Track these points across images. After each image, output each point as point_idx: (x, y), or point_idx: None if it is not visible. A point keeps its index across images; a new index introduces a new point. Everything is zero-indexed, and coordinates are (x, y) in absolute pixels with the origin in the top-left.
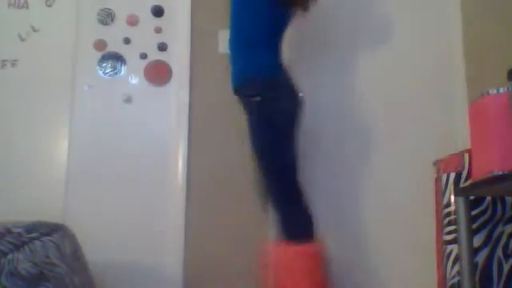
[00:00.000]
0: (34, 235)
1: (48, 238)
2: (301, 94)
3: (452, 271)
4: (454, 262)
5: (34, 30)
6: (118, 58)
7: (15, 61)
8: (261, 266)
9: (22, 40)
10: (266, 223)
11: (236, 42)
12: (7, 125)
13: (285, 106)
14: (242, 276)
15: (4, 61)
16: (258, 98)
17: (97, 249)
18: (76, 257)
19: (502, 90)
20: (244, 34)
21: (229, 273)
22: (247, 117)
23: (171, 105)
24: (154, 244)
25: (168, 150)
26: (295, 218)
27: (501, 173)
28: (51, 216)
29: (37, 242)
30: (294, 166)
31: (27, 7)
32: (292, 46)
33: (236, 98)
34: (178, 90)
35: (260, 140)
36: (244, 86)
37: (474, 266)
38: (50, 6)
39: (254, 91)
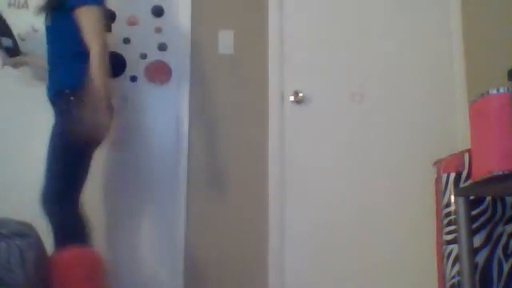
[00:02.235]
0: (2, 231)
1: (15, 242)
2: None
3: (452, 271)
4: (454, 262)
5: (34, 30)
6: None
7: None
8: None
9: (22, 40)
10: (266, 223)
11: (54, 56)
12: (7, 125)
13: (91, 119)
14: (241, 276)
15: None
16: (69, 106)
17: (96, 248)
18: (36, 265)
19: (502, 90)
20: (62, 47)
21: (229, 273)
22: (56, 120)
23: (171, 105)
24: (154, 244)
25: (168, 149)
26: (69, 221)
27: (501, 173)
28: None
29: (2, 244)
30: (78, 177)
31: (27, 7)
32: (292, 46)
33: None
34: (177, 90)
35: (60, 143)
36: (57, 95)
37: (473, 266)
38: None
39: (65, 100)
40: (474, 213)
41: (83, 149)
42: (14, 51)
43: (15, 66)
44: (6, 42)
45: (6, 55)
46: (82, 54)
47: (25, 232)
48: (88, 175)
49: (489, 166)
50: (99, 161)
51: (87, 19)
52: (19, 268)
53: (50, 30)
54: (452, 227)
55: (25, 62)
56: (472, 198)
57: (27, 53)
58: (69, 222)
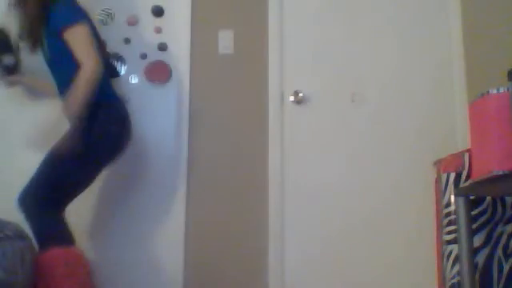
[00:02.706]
0: (7, 233)
1: (18, 243)
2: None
3: (452, 271)
4: (454, 262)
5: None
6: (117, 58)
7: None
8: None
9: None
10: (266, 223)
11: (61, 84)
12: (7, 125)
13: (111, 130)
14: (241, 276)
15: None
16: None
17: (96, 248)
18: (31, 266)
19: (502, 90)
20: (64, 73)
21: (229, 273)
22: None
23: (171, 105)
24: (154, 244)
25: (168, 149)
26: (48, 224)
27: (501, 173)
28: None
29: (8, 246)
30: (65, 187)
31: None
32: (292, 46)
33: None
34: (178, 90)
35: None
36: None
37: (473, 266)
38: None
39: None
40: (474, 213)
41: (80, 162)
42: (12, 70)
43: (10, 84)
44: (8, 60)
45: (4, 73)
46: None
47: (23, 234)
48: (83, 189)
49: (489, 165)
50: None
51: (76, 39)
52: (20, 268)
53: (48, 62)
54: (452, 227)
55: (20, 81)
56: (472, 197)
57: (25, 73)
58: (47, 225)
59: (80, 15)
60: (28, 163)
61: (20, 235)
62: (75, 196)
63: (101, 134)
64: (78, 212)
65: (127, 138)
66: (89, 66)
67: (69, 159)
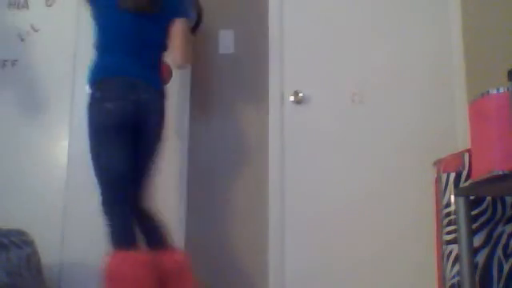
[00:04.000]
0: (12, 240)
1: (23, 249)
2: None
3: (452, 271)
4: (454, 262)
5: (34, 30)
6: None
7: (15, 61)
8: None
9: (22, 40)
10: (266, 223)
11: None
12: (7, 125)
13: (107, 107)
14: (242, 276)
15: (4, 61)
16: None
17: (97, 249)
18: (38, 268)
19: (502, 90)
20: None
21: (229, 273)
22: None
23: (171, 105)
24: None
25: (168, 150)
26: (110, 224)
27: (501, 173)
28: (51, 216)
29: (13, 251)
30: (118, 173)
31: (27, 7)
32: (292, 46)
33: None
34: (178, 90)
35: (89, 139)
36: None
37: (473, 266)
38: (50, 6)
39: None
40: (473, 213)
41: (102, 138)
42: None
43: None
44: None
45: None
46: (96, 47)
47: (28, 239)
48: (127, 167)
49: (489, 165)
50: None
51: None
52: (27, 272)
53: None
54: (452, 227)
55: None
56: (472, 197)
57: None
58: (109, 224)
59: None
60: (31, 167)
61: (26, 241)
62: (125, 176)
63: (96, 112)
64: (78, 213)
65: (135, 117)
66: None
67: (95, 140)
